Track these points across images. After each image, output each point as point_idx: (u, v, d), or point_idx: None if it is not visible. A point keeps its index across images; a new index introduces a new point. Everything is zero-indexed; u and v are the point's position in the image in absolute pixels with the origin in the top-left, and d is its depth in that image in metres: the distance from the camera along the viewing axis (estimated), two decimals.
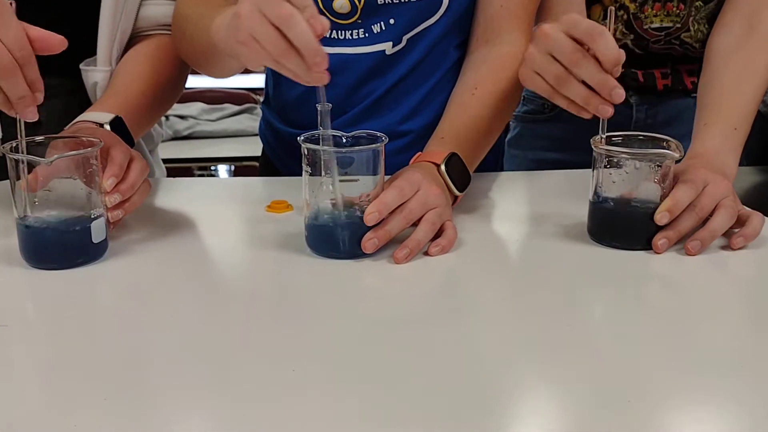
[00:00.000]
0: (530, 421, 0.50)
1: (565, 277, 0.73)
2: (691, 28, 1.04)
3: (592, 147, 0.78)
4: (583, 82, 0.74)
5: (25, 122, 0.70)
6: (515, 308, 0.67)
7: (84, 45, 0.95)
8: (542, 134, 1.17)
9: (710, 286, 0.72)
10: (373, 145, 0.73)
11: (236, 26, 0.66)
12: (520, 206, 0.95)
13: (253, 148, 2.55)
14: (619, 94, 0.73)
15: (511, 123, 1.22)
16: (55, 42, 0.67)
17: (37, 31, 0.66)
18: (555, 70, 0.75)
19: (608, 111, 0.75)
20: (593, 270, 0.75)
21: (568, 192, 0.97)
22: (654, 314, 0.65)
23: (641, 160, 0.76)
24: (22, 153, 0.70)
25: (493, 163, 1.10)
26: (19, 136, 0.70)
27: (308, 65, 0.65)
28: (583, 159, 1.11)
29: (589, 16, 1.01)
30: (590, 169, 0.79)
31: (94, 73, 0.96)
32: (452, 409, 0.50)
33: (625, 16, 1.03)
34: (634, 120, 1.09)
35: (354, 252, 0.74)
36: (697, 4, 1.02)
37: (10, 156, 0.69)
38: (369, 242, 0.73)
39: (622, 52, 0.72)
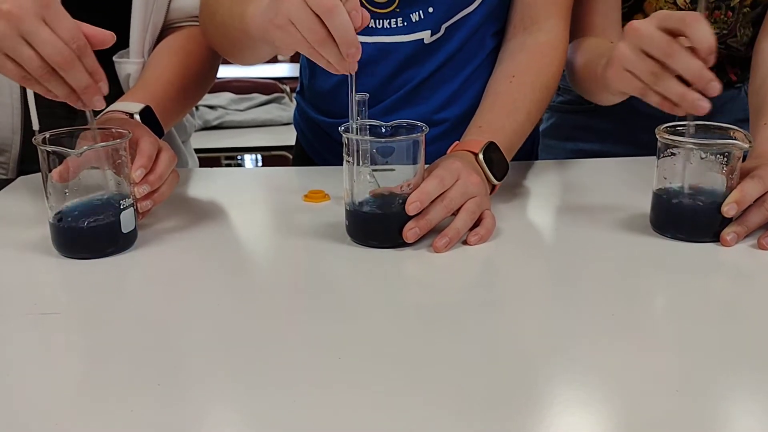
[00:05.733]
0: (574, 411, 0.50)
1: (610, 267, 0.73)
2: (738, 33, 1.03)
3: (657, 137, 0.76)
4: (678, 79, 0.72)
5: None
6: (556, 296, 0.67)
7: (117, 37, 0.96)
8: (582, 125, 1.16)
9: None
10: (414, 135, 0.73)
11: (275, 9, 0.67)
12: (557, 195, 0.95)
13: (282, 137, 2.56)
14: (715, 87, 0.70)
15: (544, 113, 1.21)
16: (106, 37, 0.69)
17: (88, 28, 0.68)
18: (649, 66, 0.72)
19: (706, 107, 0.71)
20: (645, 260, 0.74)
21: (607, 181, 0.97)
22: (713, 305, 0.65)
23: (708, 150, 0.74)
24: (86, 142, 0.71)
25: (529, 151, 1.10)
26: (90, 124, 0.72)
27: (343, 55, 0.66)
28: (625, 150, 1.10)
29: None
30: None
31: (127, 65, 0.97)
32: (496, 396, 0.50)
33: None
34: None
35: (395, 241, 0.74)
36: (744, 10, 1.01)
37: (42, 148, 0.70)
38: (410, 231, 0.73)
39: (715, 39, 0.70)
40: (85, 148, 0.70)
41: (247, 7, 0.77)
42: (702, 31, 0.69)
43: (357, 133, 0.73)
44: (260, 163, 3.01)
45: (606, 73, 0.78)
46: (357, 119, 0.73)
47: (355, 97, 0.73)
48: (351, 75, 0.70)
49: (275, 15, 0.67)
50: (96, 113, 0.86)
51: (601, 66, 0.85)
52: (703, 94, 0.71)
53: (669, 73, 0.72)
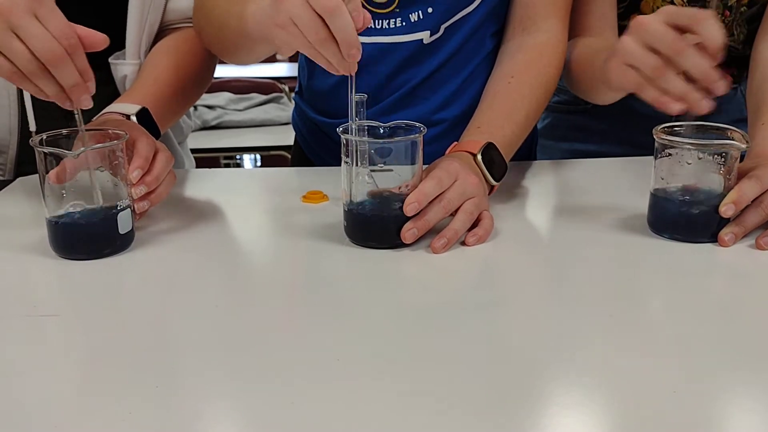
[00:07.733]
0: (571, 411, 0.50)
1: (608, 267, 0.73)
2: (735, 32, 1.02)
3: (654, 137, 0.76)
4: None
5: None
6: (554, 297, 0.67)
7: (113, 39, 0.96)
8: (578, 125, 1.16)
9: None
10: (412, 136, 0.73)
11: (277, 9, 0.67)
12: (555, 195, 0.95)
13: (281, 137, 2.56)
14: (721, 86, 0.70)
15: None
16: (98, 39, 0.69)
17: (81, 29, 0.68)
18: (653, 61, 0.71)
19: (710, 106, 0.70)
20: (642, 260, 0.74)
21: (604, 181, 0.97)
22: (711, 305, 0.65)
23: (705, 151, 0.74)
24: (82, 144, 0.71)
25: (527, 152, 1.10)
26: (78, 125, 0.71)
27: (343, 56, 0.66)
28: (622, 151, 1.10)
29: (626, 27, 1.00)
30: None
31: (123, 67, 0.98)
32: (494, 396, 0.51)
33: None
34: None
35: (393, 242, 0.74)
36: (742, 9, 1.01)
37: (39, 149, 0.70)
38: (408, 233, 0.73)
39: (724, 37, 0.69)
40: (82, 149, 0.70)
41: (245, 7, 0.77)
42: (713, 29, 0.68)
43: (355, 134, 0.73)
44: (259, 163, 3.01)
45: (606, 65, 0.76)
46: (356, 119, 0.73)
47: (354, 98, 0.73)
48: (351, 75, 0.70)
49: (276, 14, 0.68)
50: (88, 114, 0.86)
51: (600, 61, 0.85)
52: (707, 93, 0.70)
53: (673, 70, 0.71)
